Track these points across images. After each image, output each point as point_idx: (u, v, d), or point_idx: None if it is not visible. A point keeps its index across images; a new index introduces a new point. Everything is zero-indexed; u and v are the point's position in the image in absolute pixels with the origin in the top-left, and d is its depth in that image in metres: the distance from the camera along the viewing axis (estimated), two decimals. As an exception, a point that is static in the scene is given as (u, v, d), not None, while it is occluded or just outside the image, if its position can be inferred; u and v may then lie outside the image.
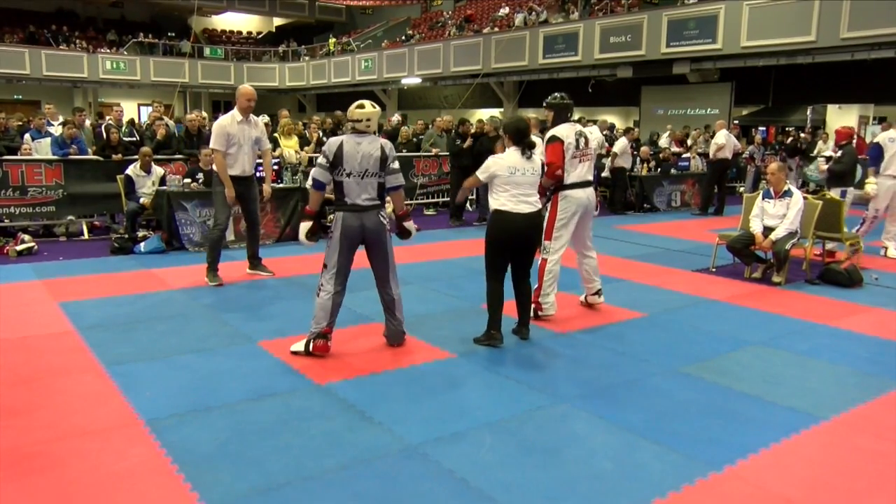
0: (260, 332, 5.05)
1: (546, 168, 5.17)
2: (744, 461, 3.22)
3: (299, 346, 4.54)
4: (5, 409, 3.69)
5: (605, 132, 15.61)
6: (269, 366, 4.42)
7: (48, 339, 4.86)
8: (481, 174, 4.71)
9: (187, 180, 8.47)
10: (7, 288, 6.33)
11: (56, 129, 9.93)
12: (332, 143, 4.41)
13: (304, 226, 4.64)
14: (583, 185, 5.42)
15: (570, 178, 5.35)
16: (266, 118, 11.16)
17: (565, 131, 5.32)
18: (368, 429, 3.52)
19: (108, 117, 11.63)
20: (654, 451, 3.32)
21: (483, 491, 2.92)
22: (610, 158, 12.43)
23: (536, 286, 5.34)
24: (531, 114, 15.20)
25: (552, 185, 5.38)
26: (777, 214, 6.87)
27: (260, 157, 6.95)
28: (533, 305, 5.32)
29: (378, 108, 4.56)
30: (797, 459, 3.28)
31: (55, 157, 9.01)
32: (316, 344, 4.48)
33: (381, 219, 4.50)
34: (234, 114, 6.44)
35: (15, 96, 25.44)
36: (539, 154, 5.02)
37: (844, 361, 4.65)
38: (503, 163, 4.63)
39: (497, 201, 4.61)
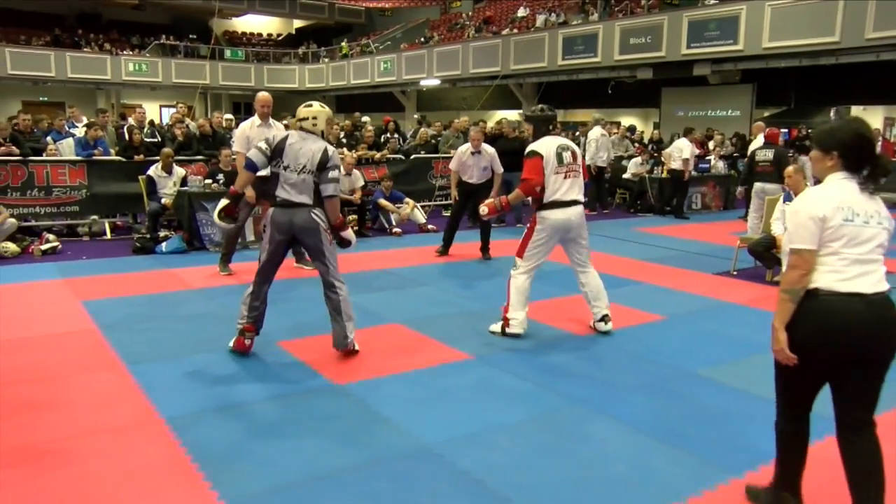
0: (279, 331, 5.07)
1: (521, 183, 4.91)
2: (766, 466, 3.17)
3: (230, 343, 4.58)
4: (29, 405, 3.75)
5: (624, 133, 15.53)
6: (287, 365, 4.45)
7: (70, 337, 4.93)
8: (799, 241, 2.46)
9: (208, 181, 8.56)
10: (31, 286, 6.43)
11: (79, 131, 10.06)
12: (277, 133, 4.41)
13: (221, 204, 4.51)
14: (565, 204, 4.91)
15: (549, 197, 4.89)
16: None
17: (545, 145, 4.92)
18: (384, 429, 3.53)
19: (129, 118, 11.76)
20: (672, 456, 3.29)
21: (498, 493, 2.92)
22: (666, 160, 12.13)
23: (506, 302, 5.04)
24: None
25: (527, 201, 5.04)
26: (799, 217, 6.77)
27: None
28: (501, 322, 5.07)
29: (326, 109, 4.46)
30: (820, 465, 3.23)
31: (79, 158, 9.14)
32: (236, 342, 4.52)
33: (314, 216, 4.31)
34: (254, 119, 6.73)
35: (41, 98, 25.82)
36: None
37: (867, 366, 4.59)
38: (828, 202, 2.45)
39: (815, 272, 2.47)
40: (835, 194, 2.47)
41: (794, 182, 6.90)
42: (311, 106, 4.42)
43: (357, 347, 4.59)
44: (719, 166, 13.51)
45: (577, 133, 14.21)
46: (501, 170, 8.22)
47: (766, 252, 6.88)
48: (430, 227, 10.12)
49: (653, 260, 8.13)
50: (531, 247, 4.99)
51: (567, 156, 4.94)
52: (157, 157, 9.00)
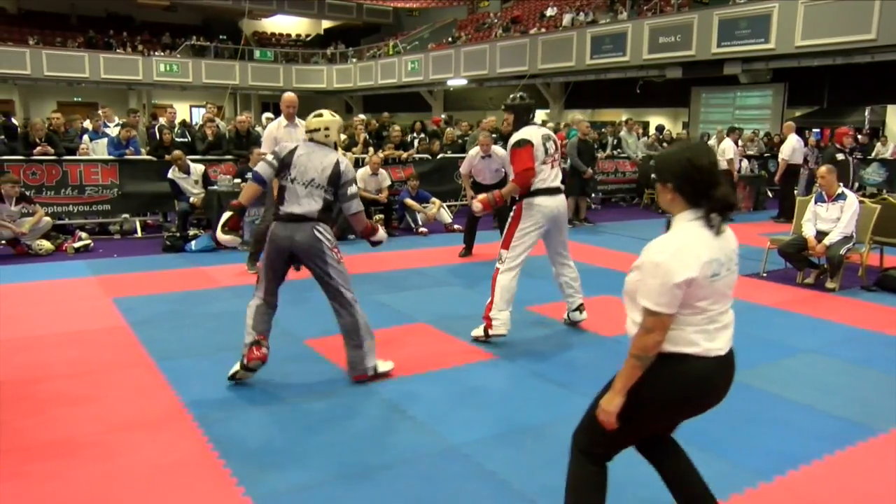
0: (306, 330, 5.11)
1: (517, 176, 4.78)
2: (794, 472, 3.13)
3: (237, 367, 4.04)
4: (64, 400, 3.82)
5: (650, 133, 15.37)
6: (314, 364, 4.48)
7: (102, 334, 5.01)
8: (659, 304, 2.11)
9: (237, 180, 8.66)
10: (64, 283, 6.55)
11: (112, 130, 10.23)
12: (287, 145, 4.10)
13: (224, 216, 4.13)
14: (552, 191, 4.87)
15: (536, 185, 4.80)
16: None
17: (532, 134, 4.81)
18: (411, 428, 3.53)
19: (160, 118, 11.94)
20: (701, 459, 3.23)
21: (525, 494, 2.91)
22: (727, 165, 11.70)
23: (489, 300, 4.85)
24: (577, 115, 15.07)
25: (518, 193, 4.88)
26: (830, 218, 6.67)
27: None
28: (483, 323, 4.87)
29: (338, 118, 4.15)
30: (851, 472, 3.18)
31: (111, 158, 9.30)
32: (250, 354, 3.96)
33: (317, 233, 3.95)
34: (281, 119, 6.83)
35: (74, 98, 26.32)
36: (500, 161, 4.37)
37: (902, 371, 4.49)
38: (695, 259, 2.12)
39: (679, 338, 2.19)
40: (700, 247, 2.12)
41: (826, 182, 6.79)
42: (321, 116, 4.09)
43: (381, 369, 4.21)
44: (746, 163, 13.32)
45: (603, 131, 14.07)
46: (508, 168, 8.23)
47: (796, 254, 6.76)
48: (456, 226, 10.11)
49: (681, 261, 8.03)
50: (518, 235, 4.85)
51: (550, 145, 4.90)
52: (189, 157, 9.12)
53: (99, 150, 9.60)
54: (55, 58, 23.98)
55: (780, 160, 11.67)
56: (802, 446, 3.38)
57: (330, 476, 3.04)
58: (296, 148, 4.04)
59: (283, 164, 3.99)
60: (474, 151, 8.20)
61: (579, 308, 5.25)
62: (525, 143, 4.77)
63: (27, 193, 8.32)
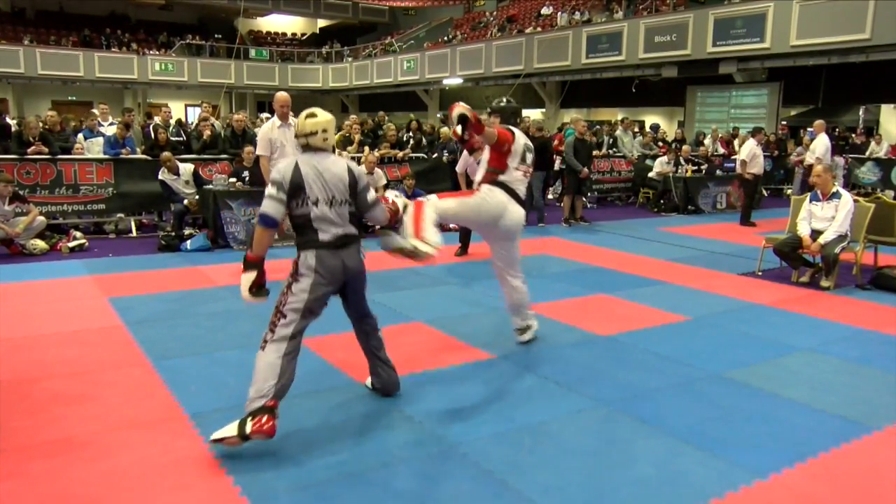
0: (302, 329, 5.10)
1: (496, 140, 4.44)
2: (790, 469, 3.14)
3: (230, 429, 3.16)
4: (61, 399, 3.81)
5: (646, 132, 15.40)
6: (310, 363, 4.46)
7: (98, 333, 5.00)
8: None
9: (232, 179, 8.65)
10: (60, 283, 6.53)
11: (108, 130, 10.20)
12: (284, 166, 3.40)
13: (247, 278, 3.54)
14: (516, 197, 4.59)
15: (503, 179, 4.54)
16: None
17: (519, 134, 4.64)
18: (408, 428, 3.53)
19: (155, 117, 11.93)
20: (697, 457, 3.26)
21: (522, 493, 2.91)
22: (739, 166, 11.36)
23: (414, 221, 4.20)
24: (574, 114, 15.11)
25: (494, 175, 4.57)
26: (825, 217, 6.69)
27: None
28: (414, 241, 4.07)
29: (331, 115, 3.58)
30: (847, 470, 3.19)
31: (106, 157, 9.27)
32: (258, 423, 3.15)
33: (361, 254, 3.62)
34: (274, 120, 6.83)
35: (69, 97, 26.24)
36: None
37: (897, 369, 4.51)
38: None
39: None
40: None
41: (821, 182, 6.81)
42: (314, 116, 3.48)
43: None
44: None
45: (598, 129, 14.05)
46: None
47: (791, 252, 6.78)
48: (451, 225, 10.10)
49: (677, 260, 8.06)
50: (468, 200, 4.53)
51: (529, 158, 4.69)
52: (185, 156, 9.11)
53: (94, 149, 9.58)
54: (49, 56, 23.90)
55: (814, 158, 11.18)
56: (798, 444, 3.39)
57: (327, 475, 3.03)
58: (296, 166, 3.38)
59: (294, 190, 3.35)
60: None
61: (525, 329, 4.89)
62: (508, 130, 4.56)
63: (21, 193, 8.29)
